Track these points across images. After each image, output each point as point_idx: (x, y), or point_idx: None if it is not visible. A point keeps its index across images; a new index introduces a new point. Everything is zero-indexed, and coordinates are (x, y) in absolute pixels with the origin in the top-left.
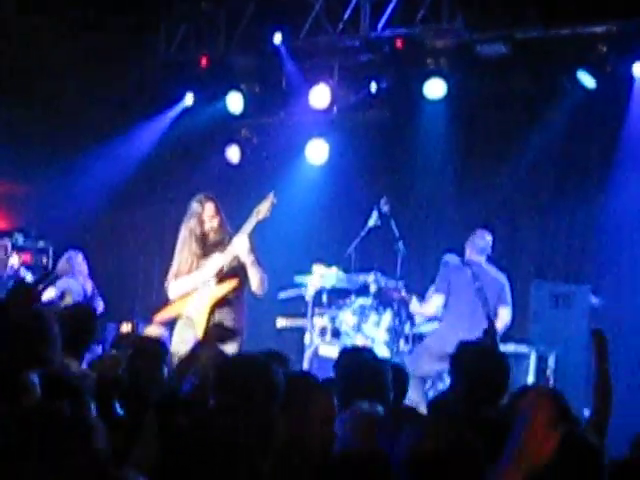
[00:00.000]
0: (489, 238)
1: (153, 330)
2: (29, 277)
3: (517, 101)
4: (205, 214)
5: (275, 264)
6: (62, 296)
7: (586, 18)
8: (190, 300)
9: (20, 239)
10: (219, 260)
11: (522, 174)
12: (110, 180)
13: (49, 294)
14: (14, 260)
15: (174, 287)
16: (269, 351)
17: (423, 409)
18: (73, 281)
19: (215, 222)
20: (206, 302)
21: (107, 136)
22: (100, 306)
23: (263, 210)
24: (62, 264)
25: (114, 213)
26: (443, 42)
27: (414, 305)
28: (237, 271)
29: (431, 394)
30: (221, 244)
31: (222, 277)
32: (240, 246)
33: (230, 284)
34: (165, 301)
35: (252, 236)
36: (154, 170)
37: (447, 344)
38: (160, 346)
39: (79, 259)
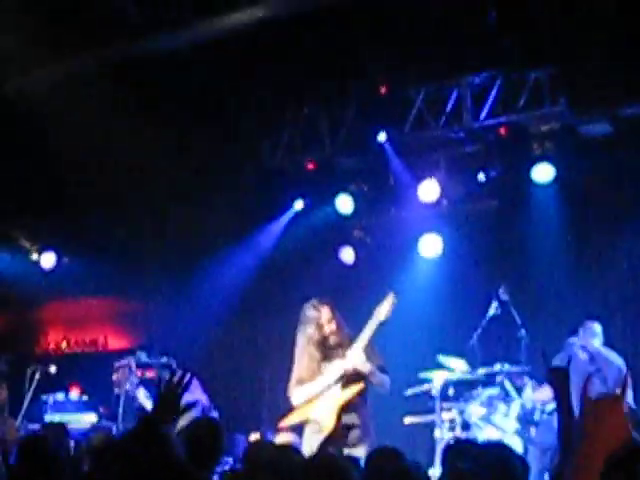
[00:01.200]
0: (597, 325)
1: (284, 437)
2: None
3: (627, 179)
4: (322, 319)
5: (398, 362)
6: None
7: None
8: (316, 405)
9: (143, 356)
10: (341, 366)
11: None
12: (227, 290)
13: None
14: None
15: (298, 393)
16: (381, 448)
17: None
18: (189, 394)
19: (333, 325)
20: (333, 406)
21: (221, 246)
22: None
23: (384, 311)
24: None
25: (234, 323)
26: (547, 126)
27: (528, 393)
28: (359, 376)
29: None
30: (341, 346)
31: (347, 381)
32: (356, 359)
33: (355, 388)
34: (290, 408)
35: (373, 337)
36: (270, 277)
37: None
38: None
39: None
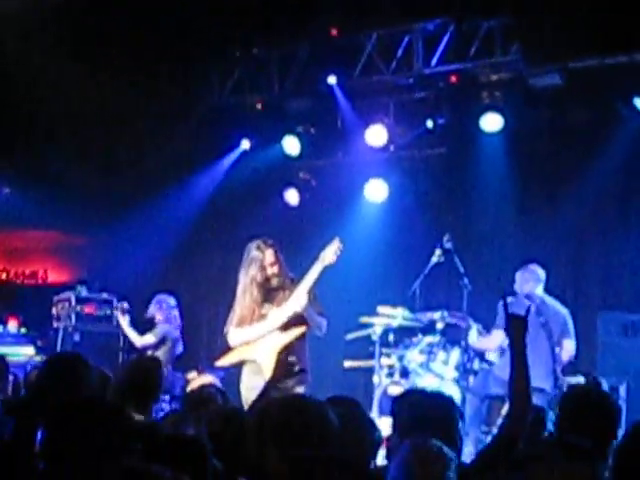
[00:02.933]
0: (541, 270)
1: (206, 379)
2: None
3: (575, 131)
4: (265, 261)
5: (340, 306)
6: (163, 341)
7: None
8: (255, 346)
9: (83, 291)
10: (280, 315)
11: (583, 205)
12: (170, 228)
13: (148, 339)
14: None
15: (236, 335)
16: (337, 396)
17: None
18: (170, 327)
19: (276, 268)
20: (273, 348)
21: (165, 184)
22: (179, 349)
23: (329, 255)
24: (153, 309)
25: (175, 261)
26: (497, 76)
27: (472, 336)
28: (301, 319)
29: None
30: (283, 289)
31: (286, 325)
32: (299, 304)
33: (296, 331)
34: (227, 348)
35: (317, 281)
36: (214, 216)
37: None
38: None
39: (172, 303)
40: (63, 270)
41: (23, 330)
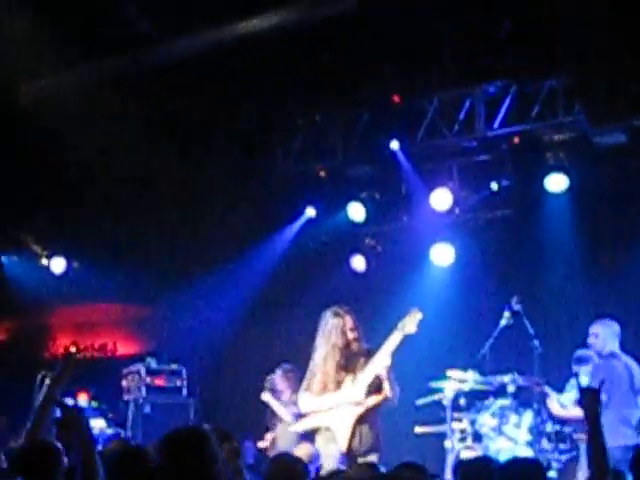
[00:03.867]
0: (617, 326)
1: (303, 449)
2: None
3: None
4: (346, 326)
5: (409, 371)
6: None
7: None
8: (330, 414)
9: (152, 363)
10: (360, 385)
11: None
12: (237, 297)
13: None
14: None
15: (308, 401)
16: (406, 463)
17: None
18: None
19: (355, 333)
20: (349, 417)
21: (233, 253)
22: None
23: (409, 325)
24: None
25: (244, 330)
26: (561, 136)
27: (554, 405)
28: (379, 387)
29: None
30: (360, 356)
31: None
32: (383, 365)
33: (371, 401)
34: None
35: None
36: (281, 285)
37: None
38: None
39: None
40: (131, 342)
41: (94, 404)
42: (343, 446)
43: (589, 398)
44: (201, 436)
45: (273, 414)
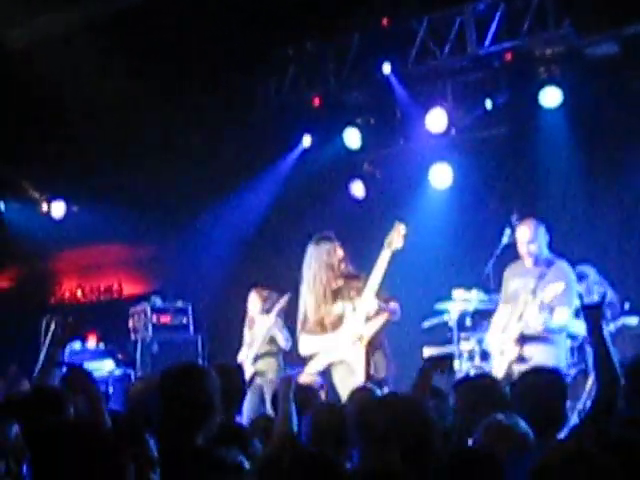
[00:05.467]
0: None
1: (307, 378)
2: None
3: (636, 99)
4: (333, 248)
5: (414, 294)
6: None
7: None
8: (339, 346)
9: (158, 301)
10: (361, 313)
11: None
12: (238, 230)
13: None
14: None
15: (309, 343)
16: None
17: None
18: None
19: (343, 264)
20: (362, 346)
21: (230, 186)
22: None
23: (394, 241)
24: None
25: (246, 262)
26: (552, 49)
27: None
28: (379, 309)
29: None
30: (354, 279)
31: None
32: (369, 308)
33: (377, 322)
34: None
35: (388, 269)
36: (281, 215)
37: None
38: None
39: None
40: (137, 282)
41: (102, 345)
42: (361, 376)
43: (592, 314)
44: (196, 371)
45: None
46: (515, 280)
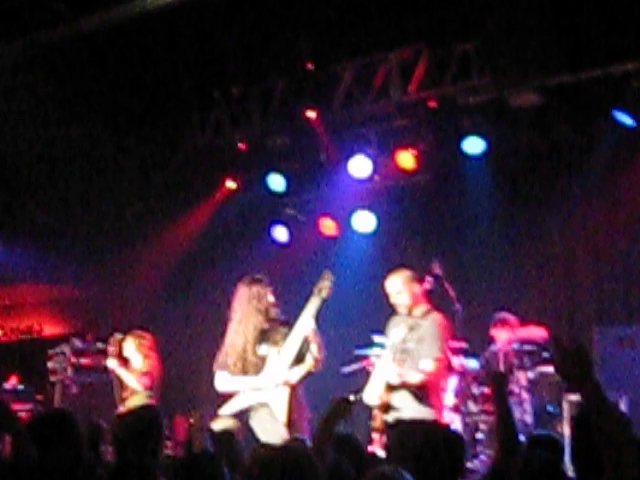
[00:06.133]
0: None
1: (226, 422)
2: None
3: (557, 149)
4: (264, 292)
5: (335, 339)
6: None
7: (616, 57)
8: (260, 388)
9: (78, 343)
10: (287, 357)
11: (571, 220)
12: (159, 271)
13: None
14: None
15: (227, 381)
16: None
17: None
18: None
19: (274, 299)
20: (283, 392)
21: (153, 228)
22: None
23: (325, 288)
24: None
25: (168, 304)
26: (476, 98)
27: None
28: (305, 355)
29: None
30: (282, 324)
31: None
32: (308, 328)
33: (302, 370)
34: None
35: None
36: (203, 257)
37: None
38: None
39: None
40: (57, 322)
41: (21, 386)
42: (283, 421)
43: (497, 381)
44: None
45: (122, 384)
46: (391, 330)
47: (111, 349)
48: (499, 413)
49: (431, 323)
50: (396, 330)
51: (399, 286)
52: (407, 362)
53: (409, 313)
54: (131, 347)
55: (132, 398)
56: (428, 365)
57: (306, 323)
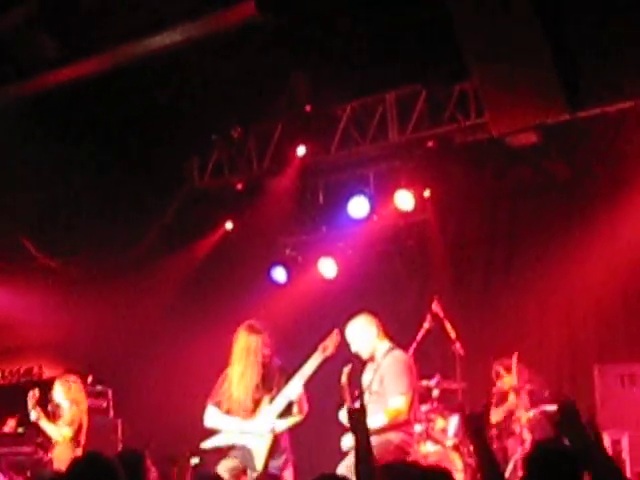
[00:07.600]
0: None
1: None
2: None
3: (556, 187)
4: (263, 343)
5: (331, 383)
6: None
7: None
8: (246, 432)
9: None
10: (276, 408)
11: (571, 260)
12: (154, 314)
13: None
14: None
15: (216, 418)
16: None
17: None
18: None
19: (269, 350)
20: (267, 439)
21: (150, 268)
22: None
23: (330, 347)
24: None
25: (162, 346)
26: (474, 137)
27: None
28: (293, 405)
29: None
30: (277, 372)
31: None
32: (295, 392)
33: (290, 421)
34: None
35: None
36: (201, 298)
37: None
38: None
39: None
40: (57, 365)
41: (20, 429)
42: (260, 465)
43: (474, 422)
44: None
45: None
46: (363, 377)
47: (30, 402)
48: (478, 452)
49: (390, 361)
50: (365, 376)
51: (356, 333)
52: (377, 404)
53: (372, 358)
54: (60, 394)
55: (57, 448)
56: (397, 402)
57: (298, 385)
